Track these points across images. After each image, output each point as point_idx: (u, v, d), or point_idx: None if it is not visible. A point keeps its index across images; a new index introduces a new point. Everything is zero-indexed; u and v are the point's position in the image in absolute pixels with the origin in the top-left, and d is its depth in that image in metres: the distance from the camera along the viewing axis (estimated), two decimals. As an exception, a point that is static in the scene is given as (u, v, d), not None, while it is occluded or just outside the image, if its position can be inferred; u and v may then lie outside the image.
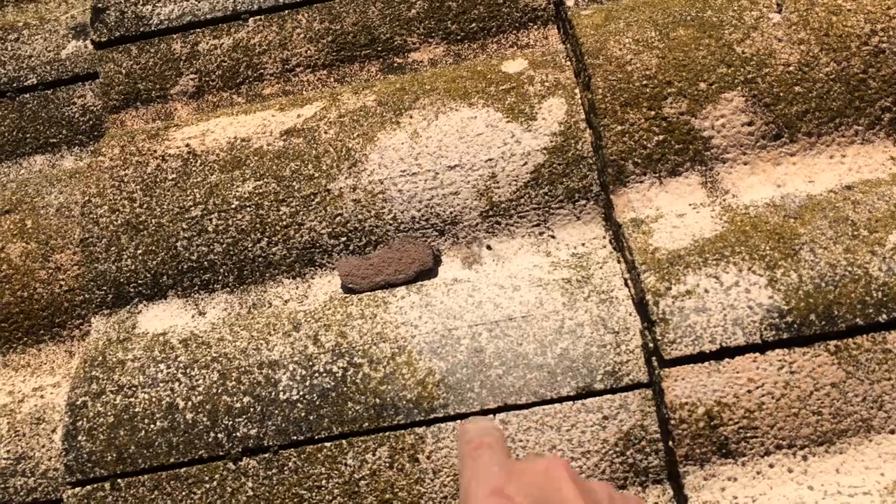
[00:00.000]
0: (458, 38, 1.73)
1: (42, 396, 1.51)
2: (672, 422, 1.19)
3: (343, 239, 1.51)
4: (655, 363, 1.23)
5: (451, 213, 1.50)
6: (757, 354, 1.18)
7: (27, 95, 1.89)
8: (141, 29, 1.79)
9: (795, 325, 1.18)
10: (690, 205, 1.37)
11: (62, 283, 1.58)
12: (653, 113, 1.39)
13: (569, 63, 1.60)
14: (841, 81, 1.37)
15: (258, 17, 1.77)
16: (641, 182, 1.40)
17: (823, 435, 1.17)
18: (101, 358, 1.45)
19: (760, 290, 1.21)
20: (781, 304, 1.19)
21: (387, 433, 1.32)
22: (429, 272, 1.49)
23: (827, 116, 1.37)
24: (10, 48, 1.93)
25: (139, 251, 1.53)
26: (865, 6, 1.40)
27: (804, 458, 1.17)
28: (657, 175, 1.39)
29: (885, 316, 1.18)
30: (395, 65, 1.73)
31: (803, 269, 1.21)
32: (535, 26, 1.72)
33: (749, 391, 1.18)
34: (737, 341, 1.19)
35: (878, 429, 1.17)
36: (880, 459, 1.16)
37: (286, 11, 1.77)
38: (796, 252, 1.23)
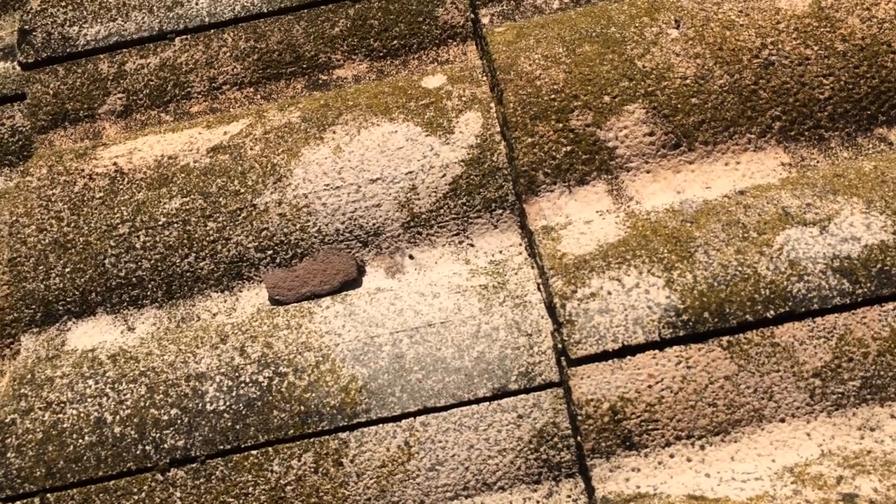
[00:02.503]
0: (381, 54, 1.79)
1: (-29, 416, 1.52)
2: (579, 417, 1.25)
3: (269, 252, 1.55)
4: (564, 363, 1.30)
5: (373, 224, 1.55)
6: (656, 351, 1.26)
7: (-45, 117, 1.90)
8: (68, 50, 1.81)
9: (691, 323, 1.26)
10: (597, 212, 1.44)
11: (-9, 302, 1.60)
12: (561, 125, 1.46)
13: (485, 78, 1.66)
14: (734, 93, 1.45)
15: (184, 37, 1.80)
16: (552, 191, 1.47)
17: (719, 425, 1.25)
18: (30, 376, 1.47)
19: (659, 290, 1.29)
20: (678, 304, 1.27)
21: (311, 439, 1.36)
22: (353, 282, 1.54)
23: (722, 126, 1.45)
24: (-64, 70, 1.93)
25: (67, 269, 1.56)
26: (756, 21, 1.50)
27: (702, 447, 1.25)
28: (566, 184, 1.47)
29: (772, 312, 1.26)
30: (320, 81, 1.79)
31: (698, 270, 1.29)
32: (455, 43, 1.78)
33: (649, 386, 1.25)
34: (637, 339, 1.26)
35: (769, 418, 1.25)
36: (772, 447, 1.24)
37: (212, 31, 1.80)
38: (692, 254, 1.31)
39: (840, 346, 1.26)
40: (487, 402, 1.36)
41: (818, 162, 1.45)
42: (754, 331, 1.26)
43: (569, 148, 1.46)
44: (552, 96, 1.48)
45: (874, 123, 1.46)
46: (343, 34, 1.78)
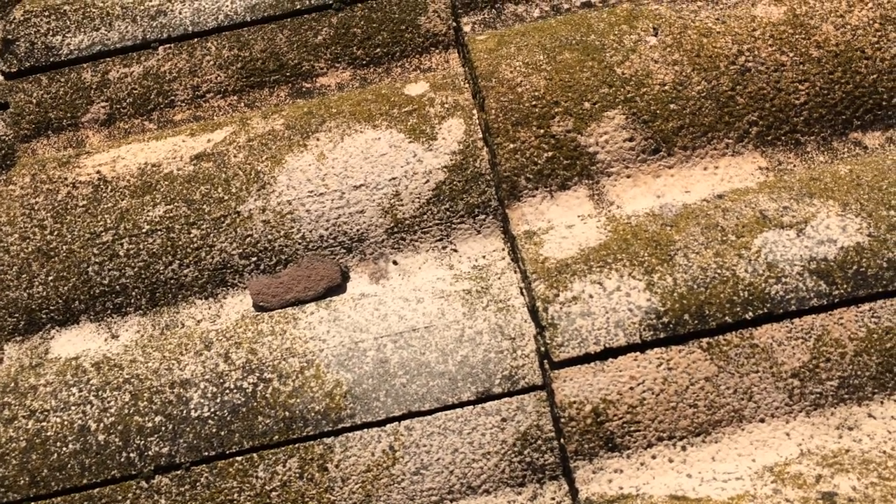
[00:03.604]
0: (364, 62, 1.80)
1: (-46, 425, 1.52)
2: (562, 420, 1.26)
3: (253, 259, 1.56)
4: (547, 366, 1.31)
5: (357, 230, 1.56)
6: (637, 353, 1.27)
7: (-64, 126, 1.89)
8: (51, 59, 1.81)
9: (671, 325, 1.28)
10: (579, 216, 1.46)
11: (-27, 312, 1.59)
12: (542, 131, 1.48)
13: (467, 85, 1.68)
14: (712, 98, 1.48)
15: (168, 46, 1.81)
16: (534, 196, 1.48)
17: (700, 426, 1.26)
18: (13, 384, 1.47)
19: (639, 293, 1.30)
20: (658, 306, 1.29)
21: (296, 445, 1.37)
22: (337, 288, 1.55)
23: (700, 131, 1.47)
24: (-82, 79, 1.93)
25: (51, 278, 1.56)
26: (733, 28, 1.52)
27: (683, 448, 1.26)
28: (548, 189, 1.48)
29: (751, 313, 1.28)
30: (304, 89, 1.80)
31: (678, 272, 1.31)
32: (437, 51, 1.80)
33: (631, 388, 1.26)
34: (619, 342, 1.28)
35: (749, 418, 1.27)
36: (752, 447, 1.26)
37: (195, 39, 1.81)
38: (671, 257, 1.33)
39: (818, 347, 1.28)
40: (471, 406, 1.37)
41: (795, 166, 1.47)
42: (733, 332, 1.28)
43: (550, 154, 1.48)
44: (533, 103, 1.50)
45: (849, 128, 1.48)
46: (326, 42, 1.80)
